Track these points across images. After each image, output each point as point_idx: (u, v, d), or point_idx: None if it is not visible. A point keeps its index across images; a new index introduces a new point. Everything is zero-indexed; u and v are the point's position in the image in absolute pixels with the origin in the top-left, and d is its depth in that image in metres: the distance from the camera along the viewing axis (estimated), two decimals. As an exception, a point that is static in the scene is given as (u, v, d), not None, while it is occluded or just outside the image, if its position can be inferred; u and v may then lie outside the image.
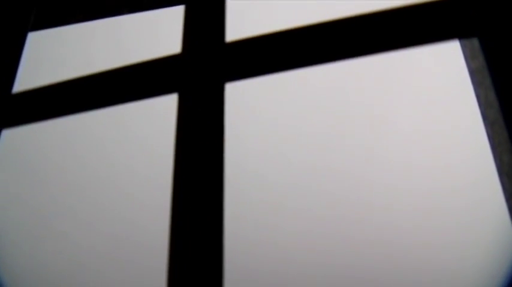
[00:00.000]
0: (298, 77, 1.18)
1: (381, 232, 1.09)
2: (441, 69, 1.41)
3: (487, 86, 1.36)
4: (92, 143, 1.21)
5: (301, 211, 1.06)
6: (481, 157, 1.34)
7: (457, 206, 1.26)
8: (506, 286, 1.08)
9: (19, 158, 1.28)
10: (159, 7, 1.43)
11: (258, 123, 1.14)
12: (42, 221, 1.17)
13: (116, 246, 1.12)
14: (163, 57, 1.11)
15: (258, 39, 1.04)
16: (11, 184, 1.25)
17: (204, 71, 1.06)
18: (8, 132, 1.27)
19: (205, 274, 0.85)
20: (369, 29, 1.00)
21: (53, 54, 1.40)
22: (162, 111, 1.19)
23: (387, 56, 1.24)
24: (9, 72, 1.28)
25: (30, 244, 1.14)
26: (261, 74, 1.00)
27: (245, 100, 1.12)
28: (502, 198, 1.29)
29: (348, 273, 1.01)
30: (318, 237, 1.04)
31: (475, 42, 1.37)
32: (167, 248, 1.11)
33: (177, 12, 1.31)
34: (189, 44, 1.10)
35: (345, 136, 1.15)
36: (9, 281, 1.08)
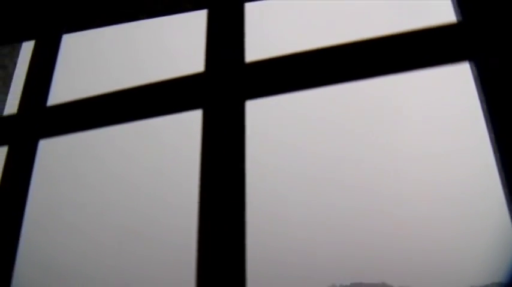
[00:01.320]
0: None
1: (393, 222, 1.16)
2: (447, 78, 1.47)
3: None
4: (119, 154, 1.31)
5: (314, 202, 1.14)
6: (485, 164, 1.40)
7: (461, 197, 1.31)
8: (508, 278, 1.14)
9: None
10: (176, 12, 1.52)
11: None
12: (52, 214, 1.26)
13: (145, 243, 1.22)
14: (188, 75, 1.21)
15: (276, 60, 1.13)
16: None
17: (226, 89, 1.16)
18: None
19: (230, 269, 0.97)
20: (385, 52, 1.08)
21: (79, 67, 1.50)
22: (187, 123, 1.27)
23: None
24: (44, 84, 1.40)
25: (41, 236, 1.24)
26: (279, 93, 1.10)
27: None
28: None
29: (351, 264, 1.09)
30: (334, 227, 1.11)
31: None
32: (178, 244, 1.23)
33: (200, 33, 1.40)
34: (211, 64, 1.19)
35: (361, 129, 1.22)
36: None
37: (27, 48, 1.81)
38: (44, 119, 1.33)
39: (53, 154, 1.38)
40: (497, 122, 0.97)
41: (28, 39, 1.59)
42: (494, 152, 1.35)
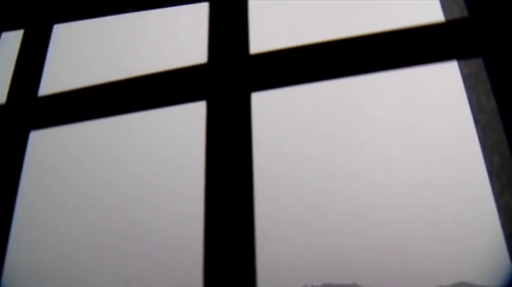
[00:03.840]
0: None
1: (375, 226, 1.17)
2: (435, 74, 1.49)
3: (479, 92, 1.45)
4: (116, 146, 1.29)
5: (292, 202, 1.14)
6: (472, 158, 1.42)
7: (450, 201, 1.33)
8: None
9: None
10: (178, 4, 1.50)
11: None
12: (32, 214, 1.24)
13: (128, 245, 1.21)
14: (190, 66, 1.19)
15: (281, 52, 1.12)
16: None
17: (230, 80, 1.15)
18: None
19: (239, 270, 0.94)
20: (387, 47, 1.09)
21: (74, 57, 1.47)
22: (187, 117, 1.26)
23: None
24: (35, 74, 1.36)
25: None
26: (285, 86, 1.09)
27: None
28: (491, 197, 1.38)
29: (333, 264, 1.10)
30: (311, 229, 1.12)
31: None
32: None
33: (202, 21, 1.39)
34: (214, 55, 1.18)
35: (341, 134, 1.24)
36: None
37: (6, 39, 1.76)
38: (35, 109, 1.30)
39: (46, 147, 1.35)
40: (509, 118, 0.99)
41: (16, 28, 1.56)
42: (485, 155, 1.38)
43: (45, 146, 1.36)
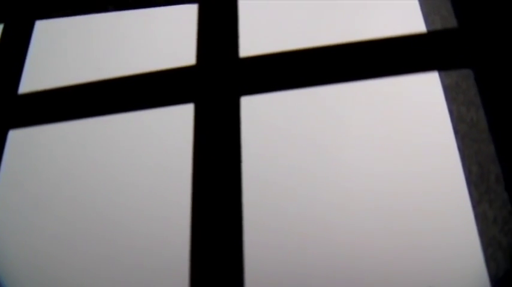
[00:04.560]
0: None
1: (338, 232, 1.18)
2: (416, 86, 1.52)
3: (459, 102, 1.48)
4: (102, 148, 1.26)
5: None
6: (450, 167, 1.45)
7: (426, 209, 1.35)
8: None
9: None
10: (167, 4, 1.48)
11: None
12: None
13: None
14: (178, 67, 1.17)
15: (271, 56, 1.12)
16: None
17: (219, 84, 1.14)
18: None
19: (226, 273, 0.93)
20: (378, 54, 1.10)
21: (57, 55, 1.44)
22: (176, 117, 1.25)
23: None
24: (15, 71, 1.32)
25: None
26: (275, 90, 1.08)
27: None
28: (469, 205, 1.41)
29: (299, 270, 1.10)
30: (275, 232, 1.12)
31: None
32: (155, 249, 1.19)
33: (191, 23, 1.37)
34: (203, 57, 1.17)
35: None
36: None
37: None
38: (15, 107, 1.27)
39: (25, 146, 1.32)
40: (497, 127, 1.01)
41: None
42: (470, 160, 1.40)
43: (24, 145, 1.32)
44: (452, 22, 1.38)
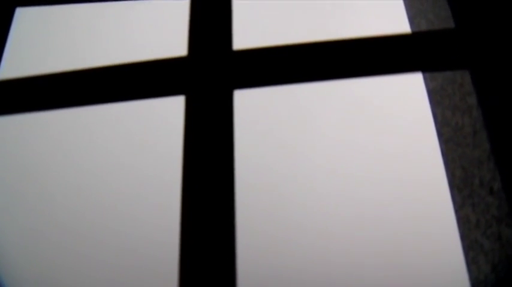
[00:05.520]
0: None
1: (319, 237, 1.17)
2: (399, 89, 1.52)
3: (444, 106, 1.49)
4: (91, 143, 1.23)
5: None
6: (433, 171, 1.45)
7: (408, 215, 1.35)
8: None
9: None
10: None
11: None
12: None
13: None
14: (168, 58, 1.14)
15: (266, 50, 1.09)
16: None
17: (212, 76, 1.11)
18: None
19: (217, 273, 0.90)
20: (373, 52, 1.09)
21: (46, 41, 1.39)
22: (167, 111, 1.22)
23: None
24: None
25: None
26: (269, 84, 1.06)
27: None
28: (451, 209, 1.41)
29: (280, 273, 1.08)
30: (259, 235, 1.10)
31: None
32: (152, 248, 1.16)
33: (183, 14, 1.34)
34: (195, 48, 1.14)
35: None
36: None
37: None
38: (-9, 94, 1.21)
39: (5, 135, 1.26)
40: (494, 130, 1.01)
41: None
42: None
43: (3, 134, 1.27)
44: (437, 25, 1.39)
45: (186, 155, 0.97)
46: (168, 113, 1.19)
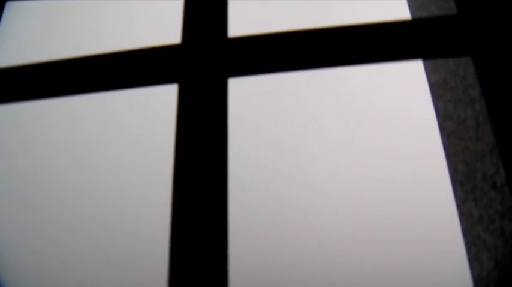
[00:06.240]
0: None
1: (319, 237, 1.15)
2: (401, 83, 1.49)
3: (446, 100, 1.46)
4: (83, 132, 1.20)
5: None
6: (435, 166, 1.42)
7: (408, 209, 1.33)
8: None
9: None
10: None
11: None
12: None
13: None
14: (162, 45, 1.11)
15: (262, 37, 1.06)
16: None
17: (206, 64, 1.08)
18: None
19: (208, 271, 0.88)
20: (372, 39, 1.06)
21: (39, 30, 1.37)
22: (160, 101, 1.19)
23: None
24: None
25: None
26: (264, 73, 1.03)
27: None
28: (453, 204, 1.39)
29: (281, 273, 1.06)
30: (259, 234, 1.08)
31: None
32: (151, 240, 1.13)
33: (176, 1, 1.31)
34: (189, 36, 1.10)
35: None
36: None
37: None
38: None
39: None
40: (498, 119, 0.98)
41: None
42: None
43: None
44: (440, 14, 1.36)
45: (178, 145, 0.95)
46: (161, 102, 1.17)
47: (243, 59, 1.06)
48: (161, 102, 1.14)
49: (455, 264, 1.24)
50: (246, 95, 1.20)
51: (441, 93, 1.49)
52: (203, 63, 1.06)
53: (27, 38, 1.33)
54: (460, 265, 1.25)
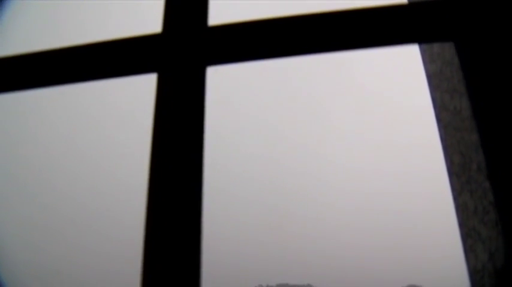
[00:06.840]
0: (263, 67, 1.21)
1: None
2: (398, 73, 1.47)
3: (443, 90, 1.44)
4: (61, 121, 1.21)
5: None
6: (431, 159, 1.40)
7: (407, 207, 1.31)
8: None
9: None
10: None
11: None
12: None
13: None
14: (142, 35, 1.12)
15: (242, 25, 1.06)
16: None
17: (186, 53, 1.08)
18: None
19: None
20: (354, 24, 1.05)
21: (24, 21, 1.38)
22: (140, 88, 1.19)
23: (339, 55, 1.27)
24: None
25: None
26: (243, 61, 1.03)
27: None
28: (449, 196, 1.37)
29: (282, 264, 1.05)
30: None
31: (434, 47, 1.44)
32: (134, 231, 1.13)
33: None
34: (170, 25, 1.11)
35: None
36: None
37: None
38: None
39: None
40: (480, 107, 0.96)
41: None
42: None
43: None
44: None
45: (156, 134, 0.95)
46: (141, 91, 1.17)
47: (222, 47, 1.05)
48: (140, 91, 1.14)
49: (451, 256, 1.23)
50: (229, 83, 1.19)
51: (437, 83, 1.47)
52: (183, 52, 1.06)
53: (8, 31, 1.33)
54: (456, 257, 1.24)
